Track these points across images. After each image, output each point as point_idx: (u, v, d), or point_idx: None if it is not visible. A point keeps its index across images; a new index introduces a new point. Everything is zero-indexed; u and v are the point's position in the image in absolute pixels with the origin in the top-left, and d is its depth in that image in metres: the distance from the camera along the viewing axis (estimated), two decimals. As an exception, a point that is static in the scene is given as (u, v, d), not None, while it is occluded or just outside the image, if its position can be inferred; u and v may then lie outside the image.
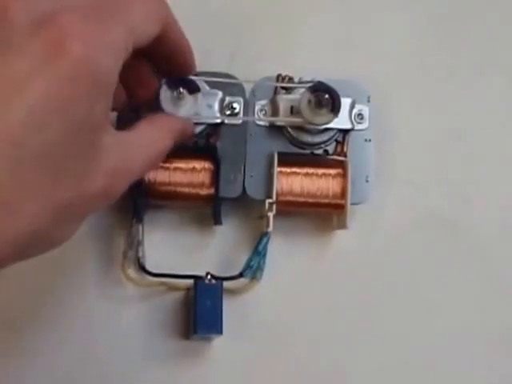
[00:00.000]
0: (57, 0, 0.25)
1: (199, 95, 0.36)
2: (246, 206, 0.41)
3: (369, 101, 0.40)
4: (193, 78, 0.36)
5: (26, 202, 0.24)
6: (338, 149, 0.40)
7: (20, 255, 0.26)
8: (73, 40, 0.24)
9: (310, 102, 0.37)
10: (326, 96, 0.36)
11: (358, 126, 0.40)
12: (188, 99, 0.36)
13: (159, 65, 0.32)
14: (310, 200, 0.40)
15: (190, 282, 0.39)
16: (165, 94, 0.36)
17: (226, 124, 0.40)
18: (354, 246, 0.42)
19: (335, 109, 0.37)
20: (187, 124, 0.36)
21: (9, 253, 0.25)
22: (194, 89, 0.36)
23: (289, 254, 0.42)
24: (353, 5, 0.45)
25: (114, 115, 0.38)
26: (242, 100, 0.40)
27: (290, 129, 0.39)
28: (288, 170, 0.40)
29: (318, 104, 0.37)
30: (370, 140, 0.40)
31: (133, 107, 0.35)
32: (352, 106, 0.40)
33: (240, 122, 0.40)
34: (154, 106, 0.36)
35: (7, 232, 0.24)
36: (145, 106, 0.35)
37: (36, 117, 0.23)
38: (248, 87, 0.40)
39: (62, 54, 0.24)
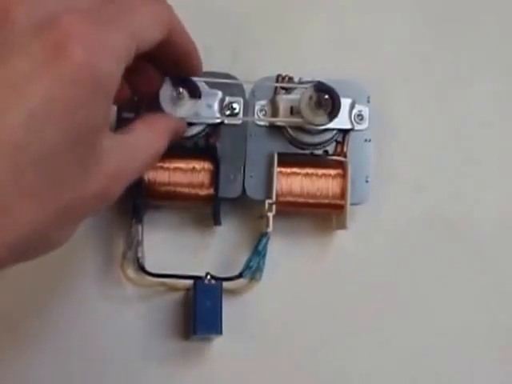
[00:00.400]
0: (59, 2, 0.25)
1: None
2: (246, 206, 0.41)
3: (369, 101, 0.40)
4: (193, 77, 0.36)
5: (25, 203, 0.24)
6: (338, 149, 0.40)
7: (19, 257, 0.26)
8: (74, 43, 0.24)
9: (309, 102, 0.37)
10: (326, 96, 0.36)
11: (357, 127, 0.40)
12: (188, 100, 0.36)
13: (165, 68, 0.33)
14: (310, 200, 0.40)
15: (190, 282, 0.39)
16: (165, 94, 0.36)
17: (226, 124, 0.39)
18: (353, 246, 0.42)
19: (335, 109, 0.36)
20: (181, 123, 0.36)
21: (6, 255, 0.24)
22: (195, 93, 0.36)
23: (288, 254, 0.41)
24: (353, 5, 0.45)
25: (112, 116, 0.38)
26: (241, 100, 0.40)
27: (289, 129, 0.39)
28: (288, 170, 0.40)
29: (318, 104, 0.37)
30: (369, 140, 0.40)
31: (135, 102, 0.36)
32: (352, 107, 0.39)
33: (240, 122, 0.40)
34: (155, 104, 0.36)
35: (5, 233, 0.24)
36: (145, 104, 0.35)
37: (36, 119, 0.23)
38: (248, 87, 0.40)
39: (63, 57, 0.24)
